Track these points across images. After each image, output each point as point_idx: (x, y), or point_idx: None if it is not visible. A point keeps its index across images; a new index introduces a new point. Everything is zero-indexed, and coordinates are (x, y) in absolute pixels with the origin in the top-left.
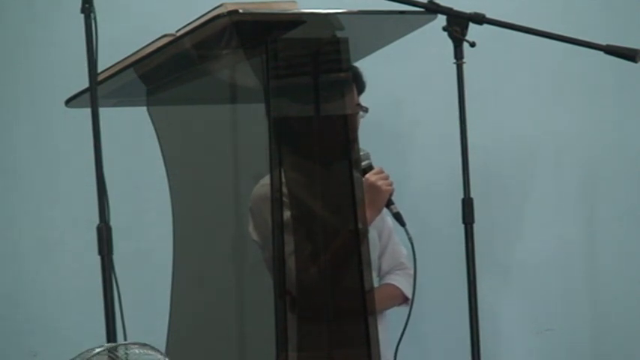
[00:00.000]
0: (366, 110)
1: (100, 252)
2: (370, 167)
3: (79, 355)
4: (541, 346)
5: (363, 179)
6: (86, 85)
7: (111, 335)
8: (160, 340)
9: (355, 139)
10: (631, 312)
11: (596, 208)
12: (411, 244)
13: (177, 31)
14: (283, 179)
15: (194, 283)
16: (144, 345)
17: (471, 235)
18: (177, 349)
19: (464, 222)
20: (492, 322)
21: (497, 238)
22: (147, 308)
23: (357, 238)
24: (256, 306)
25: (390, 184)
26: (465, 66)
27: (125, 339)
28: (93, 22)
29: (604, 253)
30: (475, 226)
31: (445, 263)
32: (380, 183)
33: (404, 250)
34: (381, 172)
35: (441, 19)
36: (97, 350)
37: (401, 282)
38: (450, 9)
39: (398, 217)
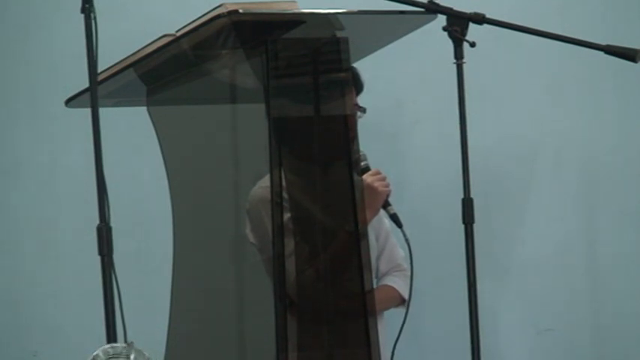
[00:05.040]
0: (364, 111)
1: (100, 252)
2: (367, 168)
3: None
4: (541, 346)
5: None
6: (86, 85)
7: (111, 335)
8: (160, 340)
9: (354, 140)
10: (631, 312)
11: (596, 208)
12: (408, 245)
13: (177, 31)
14: (283, 180)
15: (194, 283)
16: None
17: (471, 235)
18: (177, 349)
19: (464, 222)
20: (492, 322)
21: (497, 238)
22: (147, 308)
23: (357, 239)
24: (256, 306)
25: (387, 186)
26: (465, 66)
27: (125, 339)
28: (93, 22)
29: (604, 253)
30: (475, 226)
31: (445, 263)
32: (377, 184)
33: (401, 252)
34: (378, 173)
35: (441, 19)
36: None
37: (398, 283)
38: (450, 9)
39: (395, 218)
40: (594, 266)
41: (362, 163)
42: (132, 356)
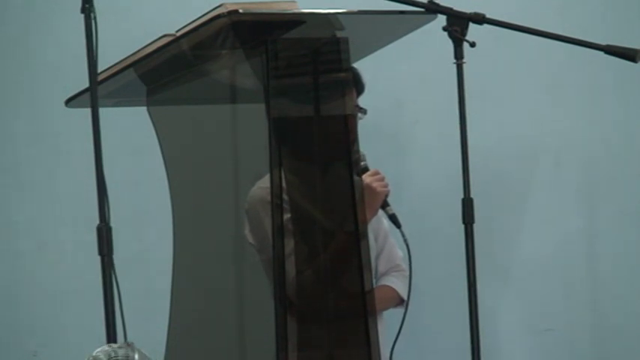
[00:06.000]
0: (364, 112)
1: (100, 252)
2: (366, 169)
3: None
4: (541, 346)
5: None
6: (86, 85)
7: (111, 335)
8: (160, 340)
9: (355, 140)
10: (631, 312)
11: (596, 208)
12: (407, 245)
13: (177, 31)
14: (283, 181)
15: (194, 283)
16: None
17: (471, 235)
18: (177, 349)
19: (464, 222)
20: (492, 322)
21: (497, 238)
22: (147, 308)
23: (356, 240)
24: (256, 306)
25: (386, 186)
26: (465, 66)
27: (125, 339)
28: (93, 22)
29: (604, 253)
30: (475, 226)
31: (445, 263)
32: (375, 185)
33: (400, 252)
34: (377, 173)
35: (441, 19)
36: None
37: (397, 284)
38: (450, 9)
39: (394, 218)
40: (594, 266)
41: (361, 163)
42: (135, 356)
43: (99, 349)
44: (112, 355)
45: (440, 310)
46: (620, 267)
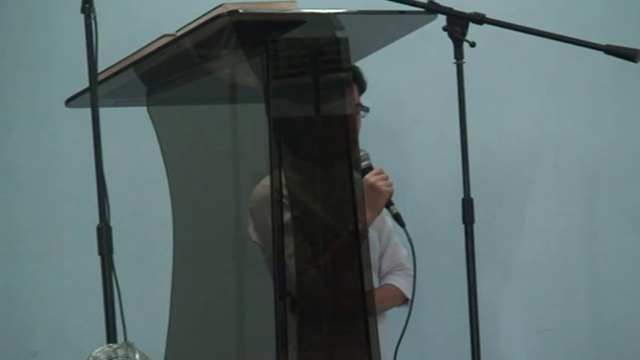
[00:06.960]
0: (367, 110)
1: (100, 252)
2: (370, 168)
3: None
4: (541, 346)
5: (363, 180)
6: (86, 85)
7: (111, 335)
8: (160, 340)
9: (355, 140)
10: (631, 312)
11: (596, 208)
12: (411, 244)
13: (178, 31)
14: (283, 180)
15: (194, 283)
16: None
17: (471, 235)
18: (177, 349)
19: (464, 222)
20: (492, 322)
21: (497, 238)
22: (147, 308)
23: (357, 239)
24: (256, 306)
25: (390, 185)
26: (465, 66)
27: (125, 339)
28: (93, 22)
29: (604, 253)
30: (475, 226)
31: (445, 263)
32: (379, 184)
33: (404, 251)
34: (381, 172)
35: (441, 19)
36: None
37: (401, 282)
38: (450, 9)
39: (397, 217)
40: (594, 266)
41: (364, 163)
42: (135, 356)
43: (99, 349)
44: (112, 355)
45: (440, 310)
46: (620, 267)
